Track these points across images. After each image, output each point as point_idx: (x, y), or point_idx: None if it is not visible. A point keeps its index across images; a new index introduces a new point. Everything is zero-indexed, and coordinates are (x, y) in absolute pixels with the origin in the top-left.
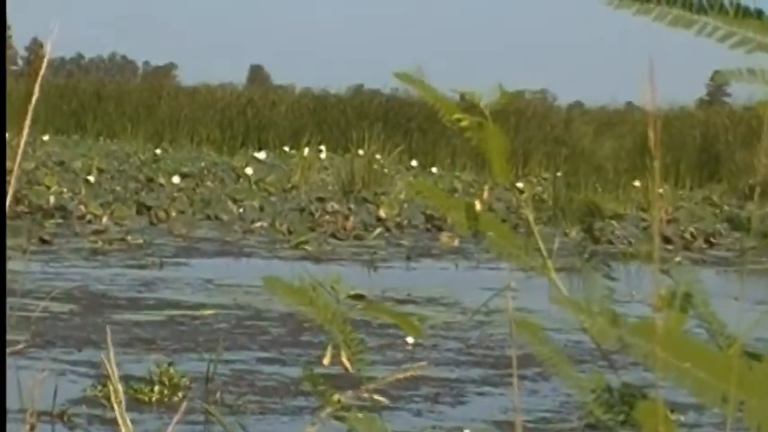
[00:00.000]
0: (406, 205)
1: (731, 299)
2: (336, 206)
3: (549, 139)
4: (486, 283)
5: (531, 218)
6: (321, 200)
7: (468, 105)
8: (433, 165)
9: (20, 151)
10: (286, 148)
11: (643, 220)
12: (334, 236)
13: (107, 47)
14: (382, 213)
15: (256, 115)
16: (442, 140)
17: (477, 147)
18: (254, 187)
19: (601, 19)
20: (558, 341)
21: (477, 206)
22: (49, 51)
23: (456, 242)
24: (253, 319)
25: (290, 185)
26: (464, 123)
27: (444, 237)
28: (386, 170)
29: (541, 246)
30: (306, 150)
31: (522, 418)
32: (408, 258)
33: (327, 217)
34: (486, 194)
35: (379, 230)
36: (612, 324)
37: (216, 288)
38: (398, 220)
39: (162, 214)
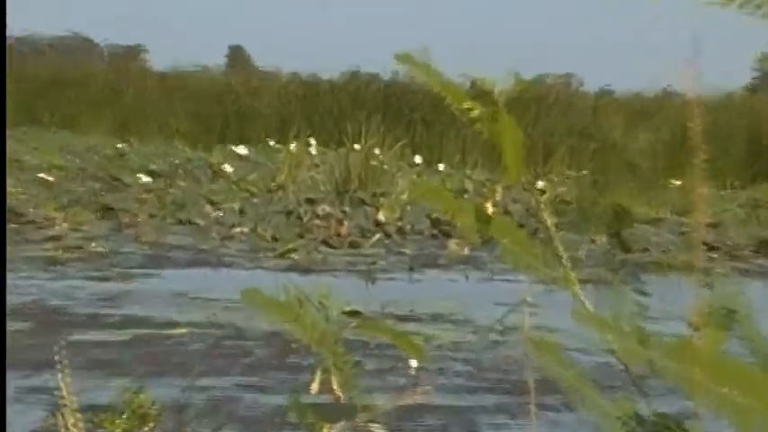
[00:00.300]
0: (408, 208)
1: None
2: (329, 209)
3: (575, 132)
4: (500, 298)
5: (550, 222)
6: (311, 201)
7: (479, 93)
8: (439, 161)
9: None
10: (271, 142)
11: (682, 224)
12: (325, 243)
13: (63, 24)
14: (381, 217)
15: (236, 104)
16: (451, 133)
17: (489, 141)
18: (233, 187)
19: None
20: (582, 364)
21: (490, 209)
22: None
23: (466, 250)
24: (232, 338)
25: (275, 185)
26: (474, 114)
27: (453, 244)
28: (385, 167)
29: (563, 254)
30: (293, 144)
31: None
32: (411, 269)
33: (318, 221)
34: (499, 195)
35: (377, 237)
36: (644, 344)
37: (190, 303)
38: (400, 224)
39: (128, 218)
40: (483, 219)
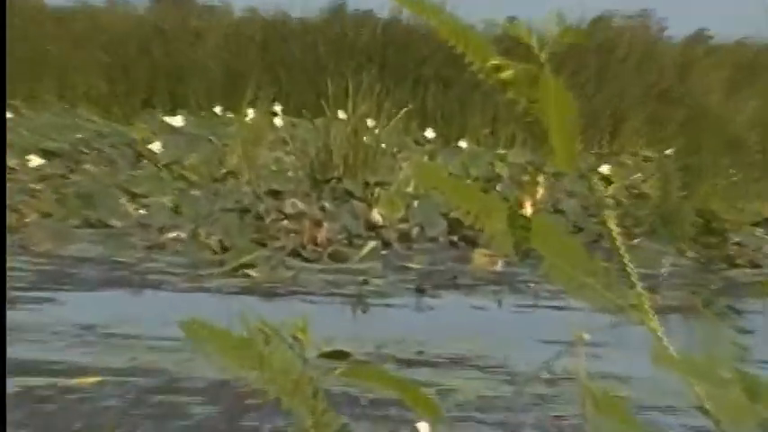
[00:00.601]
0: (416, 204)
1: None
2: (301, 205)
3: (654, 95)
4: (546, 333)
5: (614, 227)
6: (276, 195)
7: (513, 45)
8: (460, 136)
9: None
10: (217, 109)
11: None
12: (297, 254)
13: None
14: (377, 217)
15: (169, 55)
16: (475, 96)
17: (528, 112)
18: (164, 174)
19: None
20: (663, 426)
21: (529, 207)
22: None
23: (498, 265)
24: (163, 391)
25: (224, 171)
26: (506, 75)
27: (479, 256)
28: (383, 145)
29: (636, 272)
30: (250, 112)
31: None
32: (420, 291)
33: (286, 223)
34: (545, 187)
35: (371, 245)
36: (752, 396)
37: (102, 340)
38: (404, 228)
39: (13, 219)
40: (521, 221)
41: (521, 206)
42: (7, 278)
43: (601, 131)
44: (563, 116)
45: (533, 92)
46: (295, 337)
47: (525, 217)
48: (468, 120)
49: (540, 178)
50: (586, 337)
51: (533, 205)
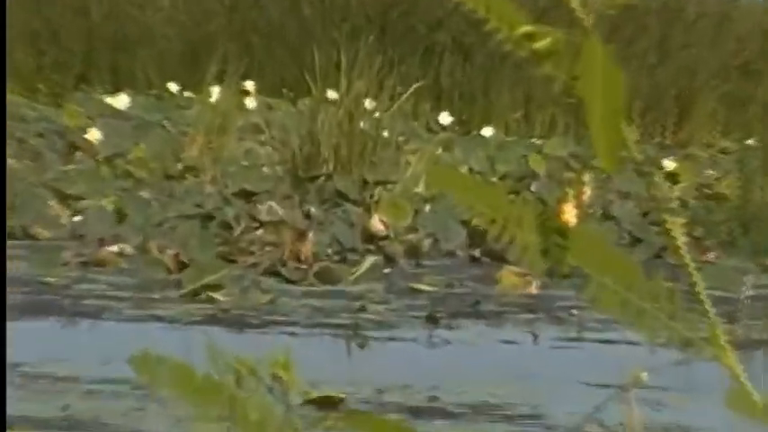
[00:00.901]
0: (428, 208)
1: None
2: (280, 210)
3: (733, 69)
4: (593, 374)
5: (681, 237)
6: (248, 196)
7: (551, 5)
8: (485, 122)
9: None
10: (173, 87)
11: None
12: (275, 273)
13: None
14: (379, 225)
15: (110, 18)
16: (503, 71)
17: (569, 92)
18: (104, 170)
19: None
20: None
21: (571, 213)
22: None
23: (532, 287)
24: None
25: (181, 166)
26: (542, 44)
27: (508, 276)
28: (385, 133)
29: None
30: (215, 91)
31: None
32: (432, 321)
33: (262, 233)
34: (591, 187)
35: (371, 261)
36: None
37: (27, 384)
38: (413, 239)
39: None
40: (560, 231)
41: (561, 212)
42: None
43: (665, 115)
44: (612, 96)
45: (577, 66)
46: (275, 377)
47: (566, 226)
48: (495, 101)
49: (587, 176)
50: (645, 378)
51: (577, 210)
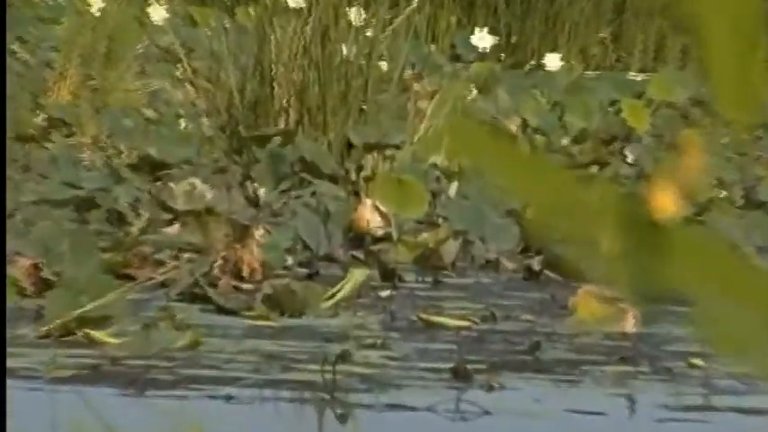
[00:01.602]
0: (453, 188)
1: None
2: (208, 193)
3: None
4: None
5: None
6: (154, 168)
7: None
8: (549, 46)
9: None
10: None
11: None
12: (199, 297)
13: None
14: (372, 218)
15: None
16: None
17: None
18: None
19: None
20: None
21: (675, 200)
22: None
23: (629, 322)
24: None
25: (42, 119)
26: None
27: (588, 302)
28: (383, 63)
29: None
30: None
31: None
32: (463, 376)
33: (177, 230)
34: (699, 159)
35: (360, 277)
36: None
37: None
38: (429, 239)
39: None
40: (664, 231)
41: (662, 198)
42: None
43: None
44: (739, 14)
45: None
46: None
47: (676, 221)
48: (565, 11)
49: (716, 136)
50: None
51: (686, 193)
